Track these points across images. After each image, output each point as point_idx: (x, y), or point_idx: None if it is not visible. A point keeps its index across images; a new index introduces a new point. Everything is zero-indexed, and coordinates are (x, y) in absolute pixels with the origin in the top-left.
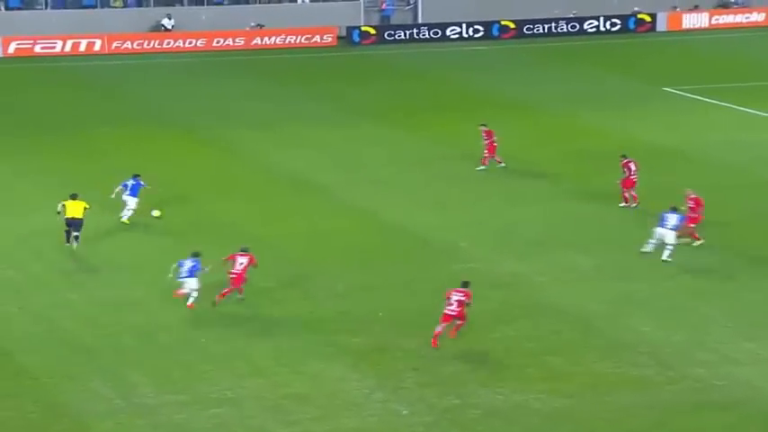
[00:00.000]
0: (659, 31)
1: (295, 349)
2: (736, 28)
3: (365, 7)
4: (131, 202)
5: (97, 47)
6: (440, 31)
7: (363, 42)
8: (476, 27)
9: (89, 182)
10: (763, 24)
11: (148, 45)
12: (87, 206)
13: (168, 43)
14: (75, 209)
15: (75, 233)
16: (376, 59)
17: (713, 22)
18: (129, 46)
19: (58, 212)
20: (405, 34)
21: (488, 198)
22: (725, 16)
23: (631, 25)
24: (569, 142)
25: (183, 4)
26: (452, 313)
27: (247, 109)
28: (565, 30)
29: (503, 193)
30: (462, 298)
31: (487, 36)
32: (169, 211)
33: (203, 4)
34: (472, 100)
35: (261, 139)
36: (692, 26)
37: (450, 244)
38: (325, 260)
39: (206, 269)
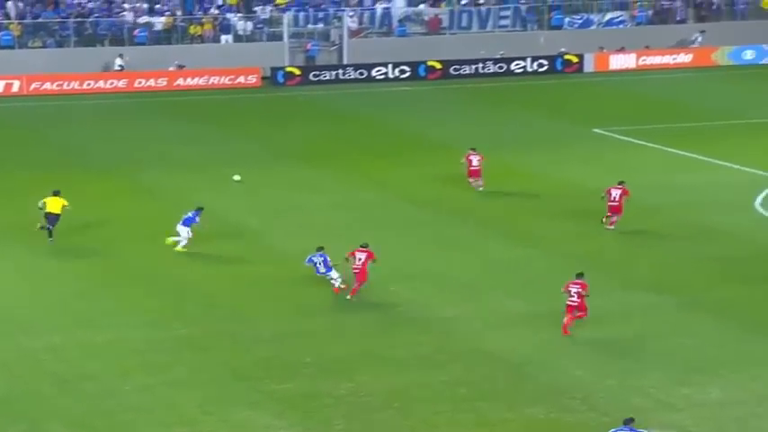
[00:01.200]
0: (587, 72)
1: (221, 397)
2: (664, 69)
3: (290, 47)
4: (183, 232)
5: (15, 88)
6: (365, 72)
7: (288, 83)
8: (402, 68)
9: (5, 226)
10: (690, 66)
11: (68, 86)
12: (66, 204)
13: (89, 84)
14: (54, 205)
15: (49, 227)
16: (301, 100)
17: (641, 62)
18: (49, 87)
19: (40, 208)
20: (330, 75)
21: (419, 241)
22: (652, 57)
23: (559, 66)
24: (498, 184)
25: (103, 45)
26: (574, 304)
27: (170, 151)
28: (492, 70)
29: (433, 235)
30: (580, 290)
31: (414, 77)
32: (89, 255)
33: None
34: (399, 141)
35: (184, 181)
36: (619, 67)
37: (380, 288)
38: (251, 305)
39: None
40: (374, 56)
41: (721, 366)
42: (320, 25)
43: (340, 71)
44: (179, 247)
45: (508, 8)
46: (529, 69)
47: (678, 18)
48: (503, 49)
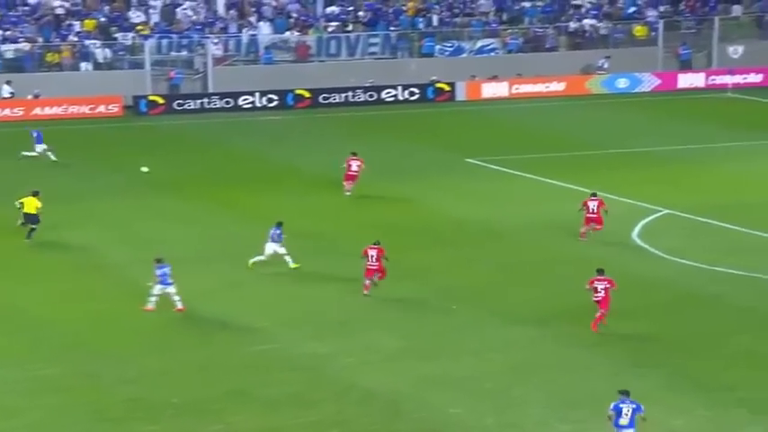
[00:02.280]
0: (459, 101)
1: None
2: (537, 97)
3: (152, 75)
4: (273, 248)
5: None
6: (232, 101)
7: (151, 112)
8: (269, 96)
9: None
10: (562, 94)
11: None
12: (39, 206)
13: None
14: (29, 205)
15: (31, 226)
16: (165, 130)
17: (513, 91)
18: None
19: (18, 208)
20: (195, 104)
21: (287, 275)
22: (525, 85)
23: (430, 94)
24: (369, 215)
25: None
26: (599, 299)
27: (28, 183)
28: (362, 99)
29: (305, 268)
30: (607, 285)
31: (282, 105)
32: None
33: None
34: (269, 171)
35: (47, 214)
36: (491, 95)
37: (248, 325)
38: (115, 344)
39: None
40: (240, 84)
41: (601, 401)
42: (184, 53)
43: (205, 100)
44: (252, 262)
45: (377, 35)
46: (400, 98)
47: (549, 46)
48: (373, 76)
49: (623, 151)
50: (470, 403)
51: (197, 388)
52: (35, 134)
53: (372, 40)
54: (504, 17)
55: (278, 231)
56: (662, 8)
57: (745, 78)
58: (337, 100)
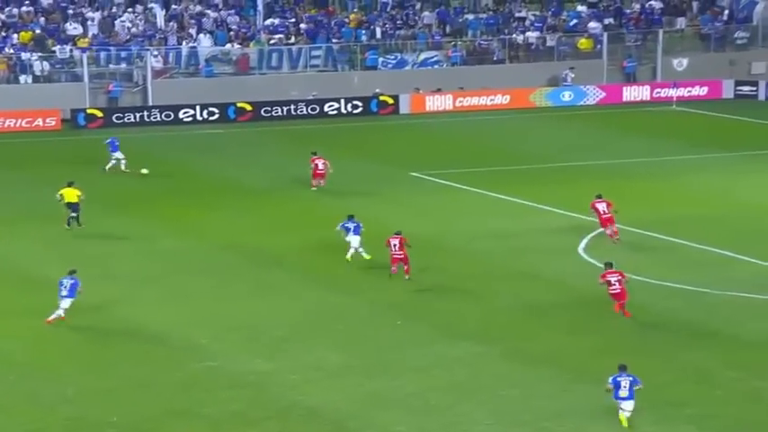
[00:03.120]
0: (403, 114)
1: None
2: (481, 110)
3: (90, 88)
4: (355, 241)
5: None
6: (172, 114)
7: (90, 126)
8: (210, 109)
9: None
10: (506, 107)
11: None
12: (80, 194)
13: None
14: (70, 195)
15: (73, 214)
16: (104, 144)
17: (457, 104)
18: None
19: (59, 200)
20: (134, 117)
21: (232, 290)
22: (469, 98)
23: (374, 108)
24: (314, 230)
25: None
26: (616, 291)
27: None
28: (305, 112)
29: (248, 284)
30: (620, 277)
31: (223, 119)
32: None
33: None
34: (210, 186)
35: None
36: (435, 109)
37: (190, 341)
38: (53, 362)
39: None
40: (181, 97)
41: (547, 418)
42: (123, 65)
43: (145, 113)
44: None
45: (320, 47)
46: (343, 111)
47: (495, 58)
48: (315, 89)
49: (568, 165)
50: (416, 421)
51: (137, 406)
52: (111, 141)
53: (314, 53)
54: (448, 29)
55: (355, 224)
56: (606, 21)
57: (689, 91)
58: (279, 113)
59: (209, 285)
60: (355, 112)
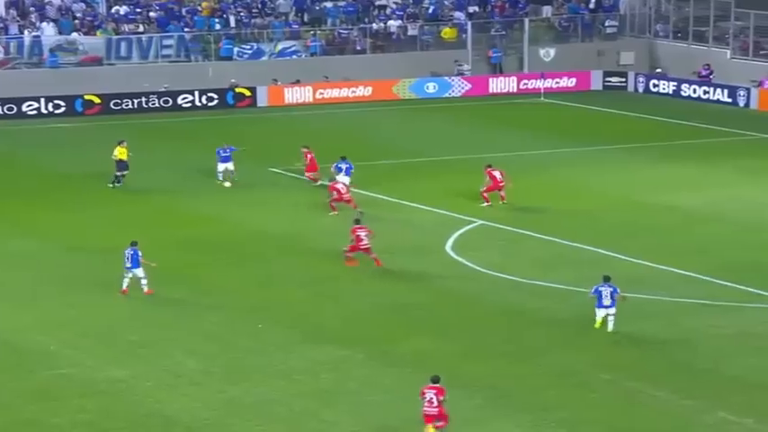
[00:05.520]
0: (260, 107)
1: None
2: (343, 103)
3: None
4: (345, 180)
5: None
6: (15, 107)
7: None
8: (56, 102)
9: None
10: (369, 99)
11: None
12: (130, 154)
13: None
14: (123, 153)
15: (120, 173)
16: None
17: (318, 96)
18: None
19: (115, 158)
20: None
21: (82, 294)
22: (330, 90)
23: (230, 100)
24: (165, 229)
25: None
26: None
27: None
28: (157, 105)
29: (99, 288)
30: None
31: (70, 112)
32: None
33: None
34: (56, 183)
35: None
36: (295, 101)
37: (39, 348)
38: None
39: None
40: (24, 89)
41: (414, 424)
42: None
43: None
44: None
45: (171, 37)
46: (198, 103)
47: (359, 48)
48: (168, 81)
49: (433, 159)
50: (279, 428)
51: None
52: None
53: (166, 42)
54: (306, 18)
55: (347, 165)
56: (471, 9)
57: (557, 83)
58: (130, 106)
59: (57, 289)
60: (210, 104)
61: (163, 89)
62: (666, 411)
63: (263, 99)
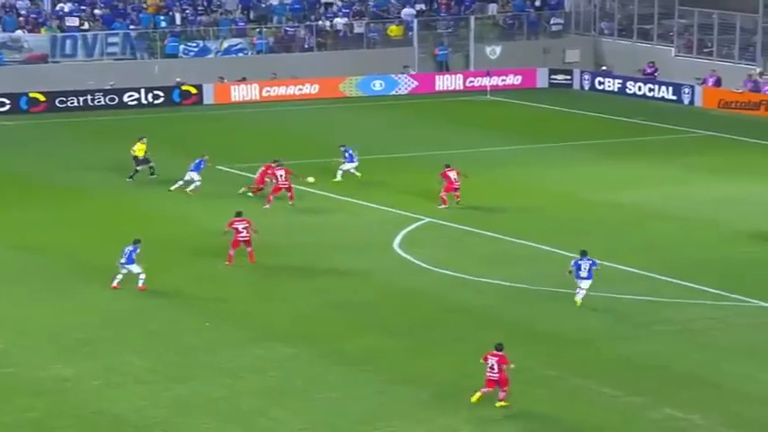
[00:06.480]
0: (207, 104)
1: None
2: (289, 100)
3: None
4: (349, 166)
5: None
6: None
7: None
8: (1, 100)
9: None
10: (315, 97)
11: None
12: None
13: None
14: (141, 149)
15: (139, 168)
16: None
17: (264, 94)
18: None
19: (133, 155)
20: None
21: (27, 292)
22: (276, 88)
23: (176, 98)
24: (111, 227)
25: None
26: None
27: None
28: (103, 103)
29: (43, 286)
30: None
31: (15, 110)
32: None
33: None
34: (0, 183)
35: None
36: (241, 99)
37: None
38: None
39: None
40: None
41: (363, 422)
42: None
43: None
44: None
45: (117, 34)
46: (143, 101)
47: (302, 46)
48: (113, 79)
49: (380, 157)
50: (226, 427)
51: None
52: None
53: (111, 40)
54: (252, 15)
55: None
56: (417, 7)
57: (503, 80)
58: (76, 104)
59: (2, 287)
60: (156, 102)
61: (108, 87)
62: (613, 407)
63: (209, 97)
